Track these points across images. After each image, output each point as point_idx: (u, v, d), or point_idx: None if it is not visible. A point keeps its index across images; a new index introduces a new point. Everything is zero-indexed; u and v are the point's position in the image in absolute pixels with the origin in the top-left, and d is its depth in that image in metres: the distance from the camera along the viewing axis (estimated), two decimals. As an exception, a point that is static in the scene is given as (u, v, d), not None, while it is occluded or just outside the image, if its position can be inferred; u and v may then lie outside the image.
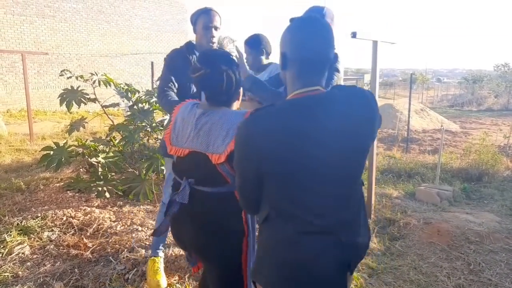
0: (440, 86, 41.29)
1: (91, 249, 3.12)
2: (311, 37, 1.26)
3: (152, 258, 2.76)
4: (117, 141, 4.59)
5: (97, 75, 4.58)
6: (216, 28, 2.50)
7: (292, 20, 1.33)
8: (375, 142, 3.77)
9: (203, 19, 2.48)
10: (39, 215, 3.69)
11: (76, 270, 2.83)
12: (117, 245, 3.18)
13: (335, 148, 1.21)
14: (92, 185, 4.17)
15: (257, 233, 1.64)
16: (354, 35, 3.03)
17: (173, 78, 2.51)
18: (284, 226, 1.26)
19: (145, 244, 3.25)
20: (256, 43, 2.77)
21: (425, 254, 3.24)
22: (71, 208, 3.88)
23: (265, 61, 2.83)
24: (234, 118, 1.58)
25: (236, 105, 1.76)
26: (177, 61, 2.55)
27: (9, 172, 5.49)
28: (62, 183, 4.67)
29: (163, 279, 2.66)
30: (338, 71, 2.35)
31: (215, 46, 2.54)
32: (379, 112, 1.34)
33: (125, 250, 3.09)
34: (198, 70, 1.63)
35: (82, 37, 16.05)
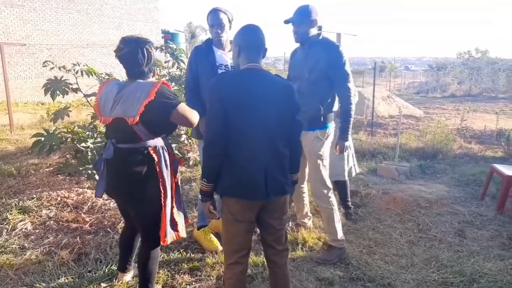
0: (407, 74, 42.51)
1: (89, 222, 3.48)
2: (252, 34, 2.00)
3: (202, 230, 3.13)
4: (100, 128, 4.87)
5: (79, 65, 4.83)
6: (220, 25, 2.82)
7: (245, 25, 2.04)
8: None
9: (208, 20, 2.86)
10: (34, 196, 3.99)
11: (78, 240, 3.18)
12: (112, 219, 3.55)
13: (268, 102, 1.90)
14: (81, 168, 4.46)
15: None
16: (319, 28, 3.45)
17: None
18: (234, 158, 1.92)
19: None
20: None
21: (382, 218, 3.77)
22: (64, 190, 4.20)
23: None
24: (144, 86, 2.06)
25: (152, 79, 2.21)
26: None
27: (-6, 160, 5.68)
28: (52, 168, 4.94)
29: (218, 244, 3.05)
30: None
31: (223, 40, 2.87)
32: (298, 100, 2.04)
33: (121, 222, 3.45)
34: (121, 49, 2.10)
35: (52, 27, 15.86)
